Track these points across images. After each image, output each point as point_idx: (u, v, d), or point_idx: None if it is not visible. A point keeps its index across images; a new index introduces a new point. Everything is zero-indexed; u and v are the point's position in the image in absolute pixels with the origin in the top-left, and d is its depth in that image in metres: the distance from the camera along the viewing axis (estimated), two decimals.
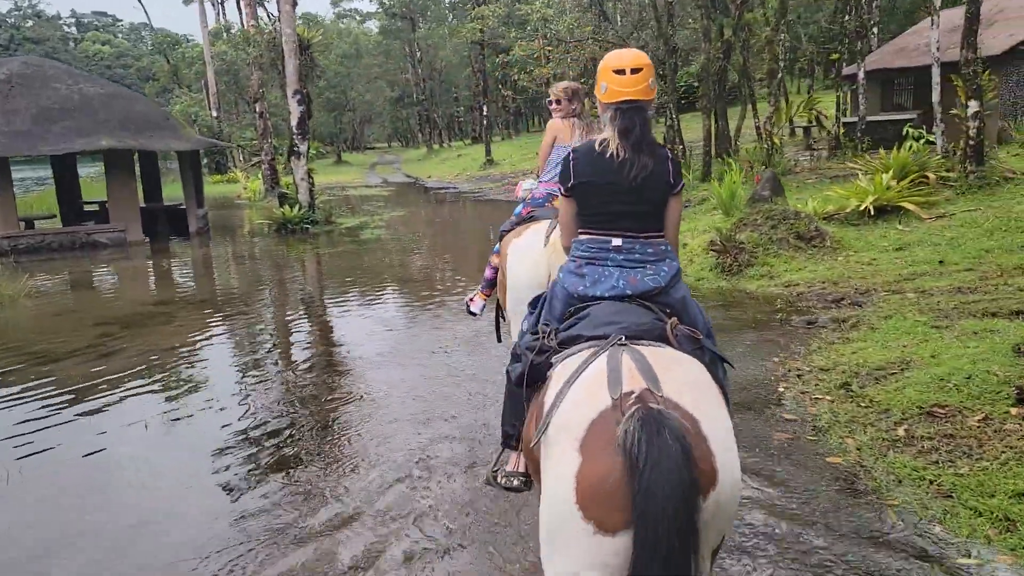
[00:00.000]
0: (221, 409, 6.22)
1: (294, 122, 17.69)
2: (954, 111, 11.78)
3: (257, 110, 26.14)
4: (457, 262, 13.33)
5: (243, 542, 4.04)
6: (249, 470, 4.97)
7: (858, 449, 4.54)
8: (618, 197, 2.80)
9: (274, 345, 8.50)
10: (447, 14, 58.50)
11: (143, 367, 7.42)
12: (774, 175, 12.21)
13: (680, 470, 1.90)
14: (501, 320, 5.43)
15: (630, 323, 2.54)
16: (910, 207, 10.80)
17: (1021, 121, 16.32)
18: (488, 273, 5.37)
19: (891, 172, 11.48)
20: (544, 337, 2.69)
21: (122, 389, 6.78)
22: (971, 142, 11.22)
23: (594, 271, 2.80)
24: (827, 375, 5.84)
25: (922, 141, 12.15)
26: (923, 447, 4.38)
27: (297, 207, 17.84)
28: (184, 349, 8.24)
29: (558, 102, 5.03)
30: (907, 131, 12.76)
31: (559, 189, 3.01)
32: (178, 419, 6.06)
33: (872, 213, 10.85)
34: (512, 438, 2.95)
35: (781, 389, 5.72)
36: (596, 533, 2.00)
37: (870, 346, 6.24)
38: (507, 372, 2.89)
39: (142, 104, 18.46)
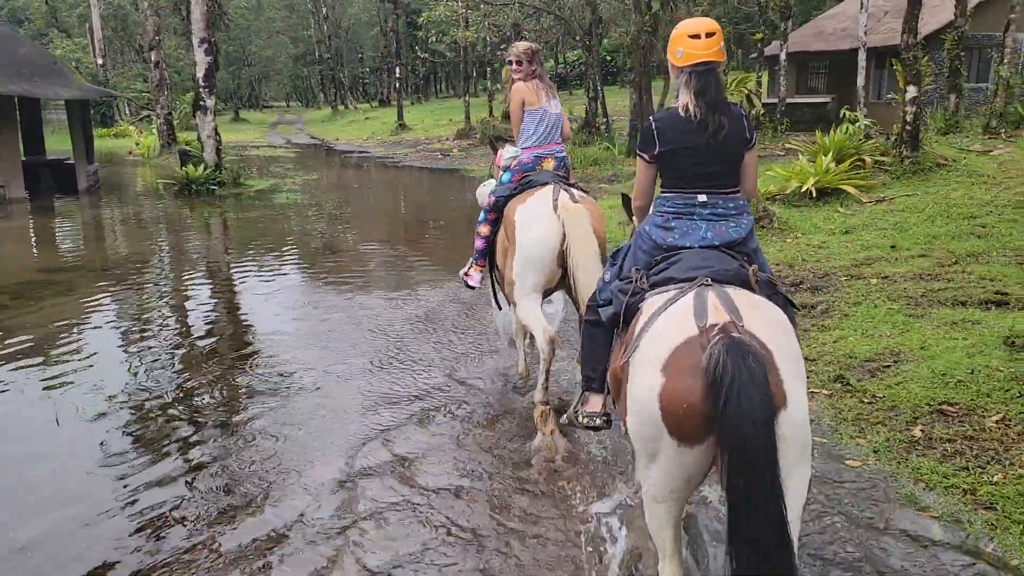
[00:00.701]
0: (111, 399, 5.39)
1: (200, 74, 16.27)
2: (891, 95, 11.84)
3: (152, 59, 24.17)
4: (393, 233, 12.56)
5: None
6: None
7: (875, 451, 4.24)
8: (701, 157, 3.01)
9: (187, 323, 7.60)
10: None
11: (29, 344, 6.45)
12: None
13: (762, 388, 2.17)
14: (497, 287, 5.52)
15: (718, 268, 2.78)
16: (851, 190, 10.80)
17: (938, 108, 16.77)
18: (479, 244, 5.35)
19: (830, 155, 11.47)
20: (636, 281, 2.95)
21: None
22: (908, 127, 11.31)
23: (682, 224, 3.03)
24: (815, 366, 5.55)
25: (858, 124, 12.16)
26: (946, 450, 4.12)
27: (202, 166, 16.49)
28: (75, 326, 7.26)
29: (519, 63, 5.00)
30: (844, 113, 12.76)
31: (641, 155, 3.17)
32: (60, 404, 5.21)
33: (814, 195, 10.80)
34: (593, 381, 3.35)
35: None
36: (681, 446, 2.33)
37: (850, 335, 6.01)
38: (587, 321, 3.37)
39: (27, 47, 16.58)
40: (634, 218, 3.68)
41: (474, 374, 5.92)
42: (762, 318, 2.46)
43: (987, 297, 6.46)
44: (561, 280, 4.74)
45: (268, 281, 9.16)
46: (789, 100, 21.41)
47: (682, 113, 2.98)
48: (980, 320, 5.89)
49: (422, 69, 56.39)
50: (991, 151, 13.05)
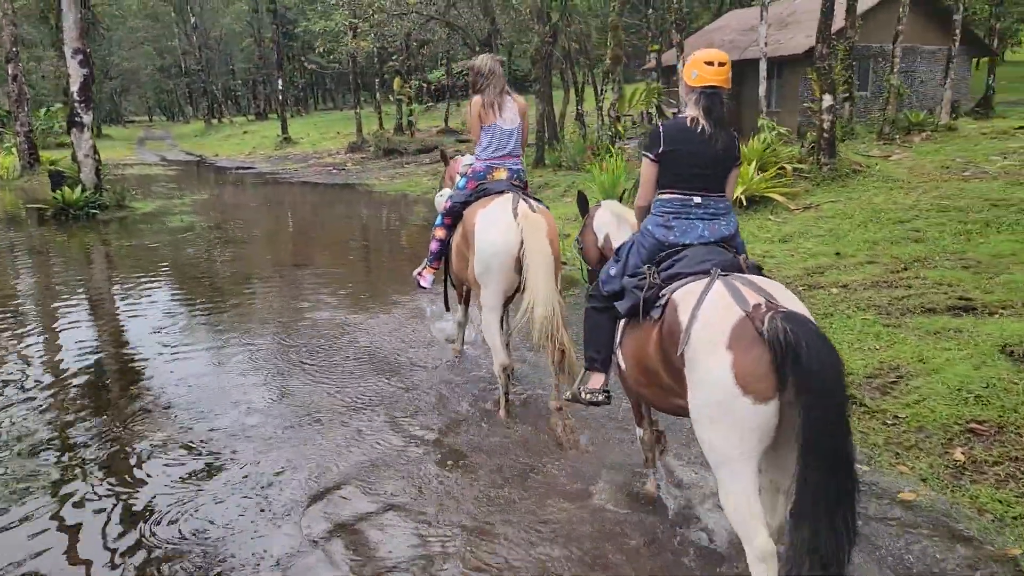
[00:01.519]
0: None
1: (75, 87, 14.75)
2: (807, 104, 12.09)
3: (10, 72, 21.92)
4: (312, 255, 11.69)
5: None
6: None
7: (923, 480, 4.00)
8: (699, 162, 3.42)
9: (64, 369, 6.63)
10: None
11: None
12: None
13: (828, 343, 2.61)
14: (450, 288, 5.97)
15: (721, 261, 3.23)
16: (779, 198, 10.90)
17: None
18: (434, 246, 5.59)
19: (754, 163, 11.57)
20: (649, 276, 3.32)
21: None
22: (825, 135, 11.56)
23: (681, 223, 3.45)
24: None
25: (774, 133, 12.36)
26: (997, 475, 3.94)
27: (80, 188, 14.96)
28: None
29: (480, 76, 5.16)
30: (761, 123, 12.96)
31: (647, 155, 3.54)
32: None
33: (744, 204, 10.83)
34: (596, 362, 3.71)
35: None
36: (755, 403, 2.67)
37: (838, 349, 5.84)
38: (590, 308, 3.73)
39: None
40: (633, 216, 4.04)
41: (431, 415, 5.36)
42: (785, 295, 2.91)
43: (952, 303, 6.48)
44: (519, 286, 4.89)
45: (171, 315, 8.21)
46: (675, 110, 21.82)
47: (689, 124, 3.45)
48: (960, 328, 5.85)
49: (301, 80, 54.58)
50: (890, 156, 13.61)
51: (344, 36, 24.26)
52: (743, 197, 10.89)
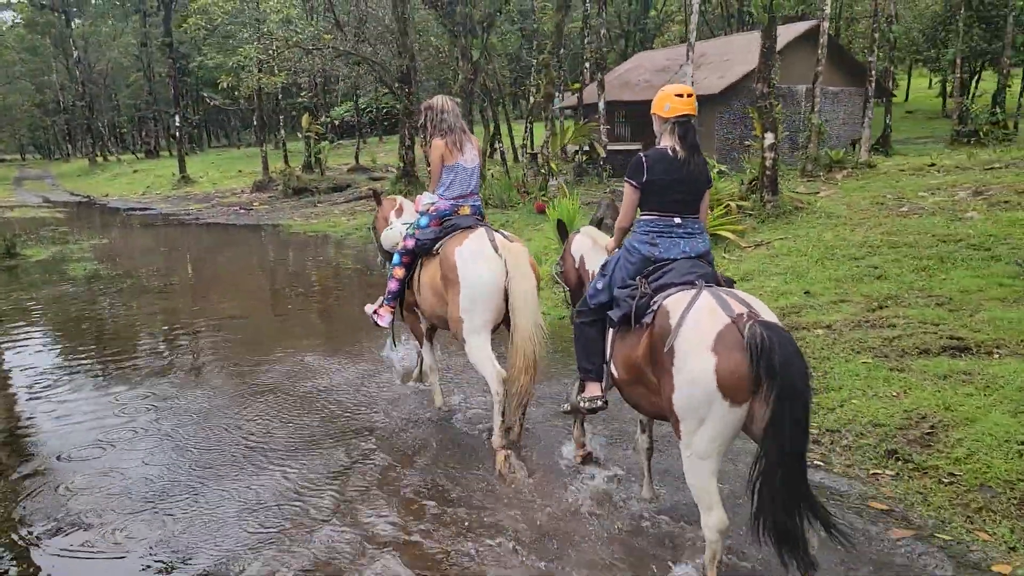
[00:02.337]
0: None
1: None
2: (748, 142, 12.15)
3: None
4: (245, 304, 10.72)
5: None
6: None
7: (1011, 548, 3.69)
8: (679, 187, 3.81)
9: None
10: (113, 7, 51.13)
11: None
12: (612, 202, 11.60)
13: (799, 352, 3.05)
14: (400, 323, 6.12)
15: (704, 274, 3.66)
16: (730, 236, 10.81)
17: (738, 156, 17.79)
18: (393, 286, 5.69)
19: None
20: (640, 287, 3.69)
21: None
22: (768, 172, 11.61)
23: (664, 241, 3.82)
24: (841, 437, 5.04)
25: (715, 171, 12.35)
26: None
27: None
28: None
29: (439, 115, 5.32)
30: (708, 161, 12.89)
31: (631, 182, 3.89)
32: None
33: None
34: (591, 372, 4.05)
35: (809, 457, 4.78)
36: (732, 406, 3.11)
37: (851, 397, 5.59)
38: (582, 324, 4.09)
39: None
40: (613, 236, 4.35)
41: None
42: (761, 307, 3.29)
43: (945, 343, 6.36)
44: (505, 315, 5.00)
45: (98, 378, 7.22)
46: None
47: (669, 152, 3.83)
48: (968, 371, 5.70)
49: (195, 117, 52.42)
50: (818, 193, 13.89)
51: (251, 71, 23.19)
52: None
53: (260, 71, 23.18)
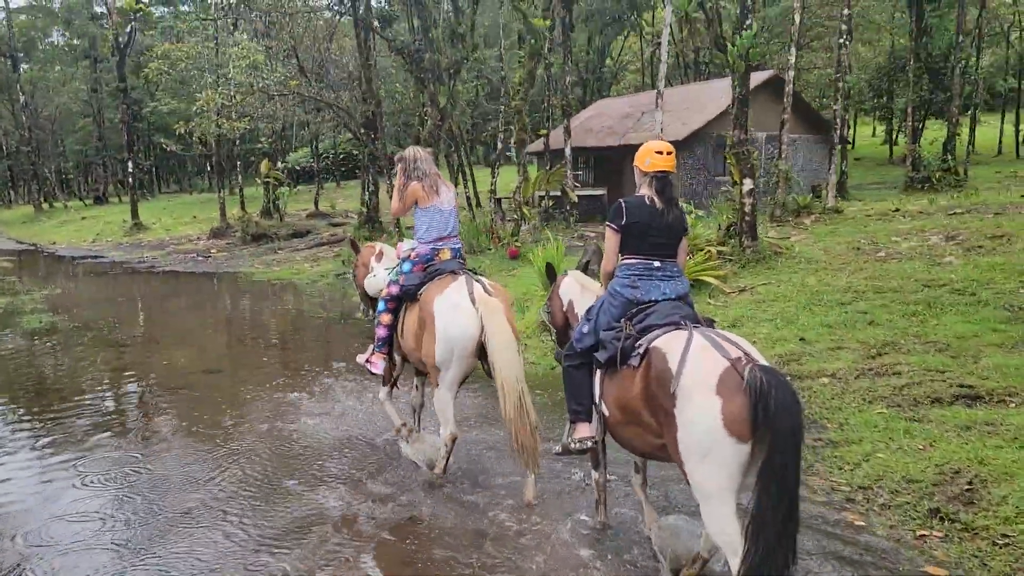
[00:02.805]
0: None
1: None
2: (724, 188, 12.17)
3: None
4: (219, 358, 10.19)
5: None
6: None
7: None
8: (657, 233, 4.04)
9: None
10: (62, 52, 50.12)
11: None
12: (597, 247, 11.43)
13: (795, 394, 3.19)
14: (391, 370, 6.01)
15: (686, 314, 3.87)
16: (713, 281, 10.73)
17: (705, 201, 17.94)
18: (382, 332, 5.70)
19: None
20: (625, 329, 3.87)
21: None
22: (747, 218, 11.61)
23: (645, 284, 4.04)
24: (876, 495, 4.84)
25: (692, 216, 12.33)
26: None
27: None
28: None
29: (411, 164, 5.46)
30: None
31: (610, 226, 4.14)
32: None
33: None
34: (581, 413, 4.18)
35: (848, 519, 4.57)
36: (737, 443, 3.21)
37: (875, 450, 5.41)
38: (570, 368, 4.21)
39: None
40: (601, 279, 4.47)
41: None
42: (752, 349, 3.42)
43: (956, 392, 6.26)
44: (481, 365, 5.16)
45: (62, 442, 6.68)
46: (554, 193, 21.91)
47: (647, 201, 4.07)
48: (989, 421, 5.59)
49: (146, 163, 51.37)
50: (789, 238, 13.98)
51: (210, 117, 22.74)
52: None
53: (220, 116, 22.72)
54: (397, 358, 5.93)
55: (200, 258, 23.03)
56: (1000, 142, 35.38)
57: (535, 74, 15.28)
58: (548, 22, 14.36)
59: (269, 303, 15.09)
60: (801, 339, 8.34)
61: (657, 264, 4.05)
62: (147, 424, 7.21)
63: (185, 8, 41.17)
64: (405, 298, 5.51)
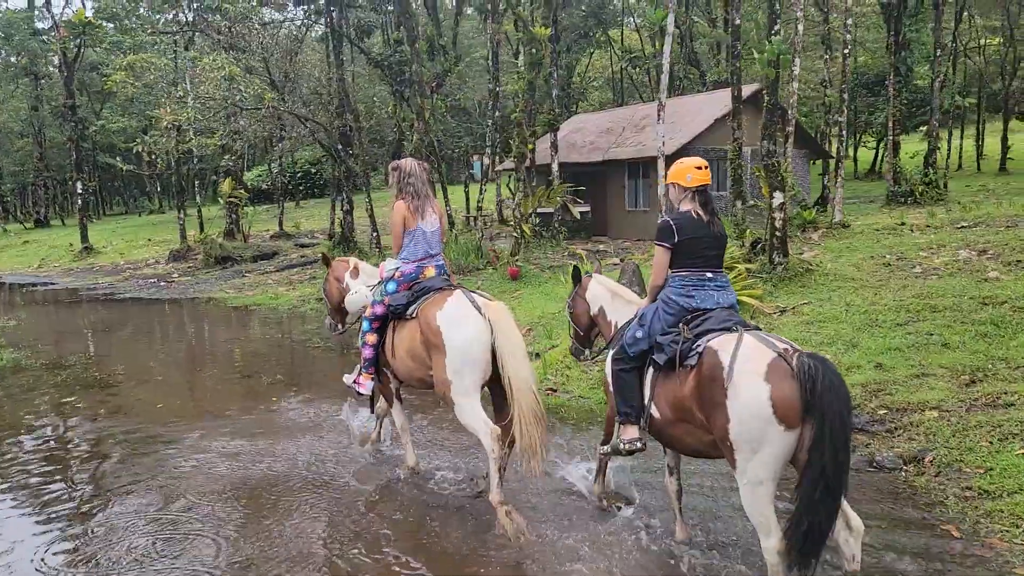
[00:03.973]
0: None
1: None
2: (752, 202, 11.57)
3: None
4: (222, 396, 9.07)
5: None
6: None
7: None
8: (707, 245, 4.30)
9: None
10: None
11: None
12: (636, 267, 10.65)
13: (842, 378, 3.46)
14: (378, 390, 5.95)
15: (738, 321, 4.10)
16: (753, 302, 10.04)
17: None
18: (368, 353, 5.66)
19: None
20: (683, 333, 4.05)
21: None
22: (777, 233, 11.01)
23: (700, 293, 4.27)
24: None
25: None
26: None
27: None
28: None
29: (406, 177, 5.45)
30: None
31: (663, 244, 4.32)
32: None
33: None
34: (631, 415, 4.33)
35: None
36: (787, 430, 3.44)
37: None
38: (621, 371, 4.39)
39: None
40: (648, 292, 4.61)
41: None
42: (798, 345, 3.75)
43: None
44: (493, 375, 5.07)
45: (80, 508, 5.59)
46: (541, 210, 21.26)
47: (694, 216, 4.28)
48: None
49: (91, 184, 49.04)
50: (802, 254, 13.45)
51: (172, 133, 21.42)
52: None
53: (189, 132, 21.31)
54: (388, 375, 5.82)
55: (163, 283, 21.62)
56: (960, 157, 35.99)
57: (536, 84, 14.53)
58: (548, 31, 13.64)
59: (255, 332, 13.95)
60: (877, 365, 7.68)
61: (710, 275, 4.28)
62: (174, 488, 6.13)
63: (129, 23, 39.41)
64: (392, 317, 5.52)
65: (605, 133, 23.91)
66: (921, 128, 31.34)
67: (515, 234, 14.39)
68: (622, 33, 36.81)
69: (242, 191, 26.60)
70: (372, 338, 5.62)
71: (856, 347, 8.35)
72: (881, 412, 6.61)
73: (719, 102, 22.46)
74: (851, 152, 36.90)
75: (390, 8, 23.52)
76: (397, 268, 5.50)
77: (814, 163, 27.00)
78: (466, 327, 4.95)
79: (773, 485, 3.54)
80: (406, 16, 15.17)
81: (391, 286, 5.49)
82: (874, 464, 5.64)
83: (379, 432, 6.66)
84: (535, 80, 14.48)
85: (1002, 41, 33.50)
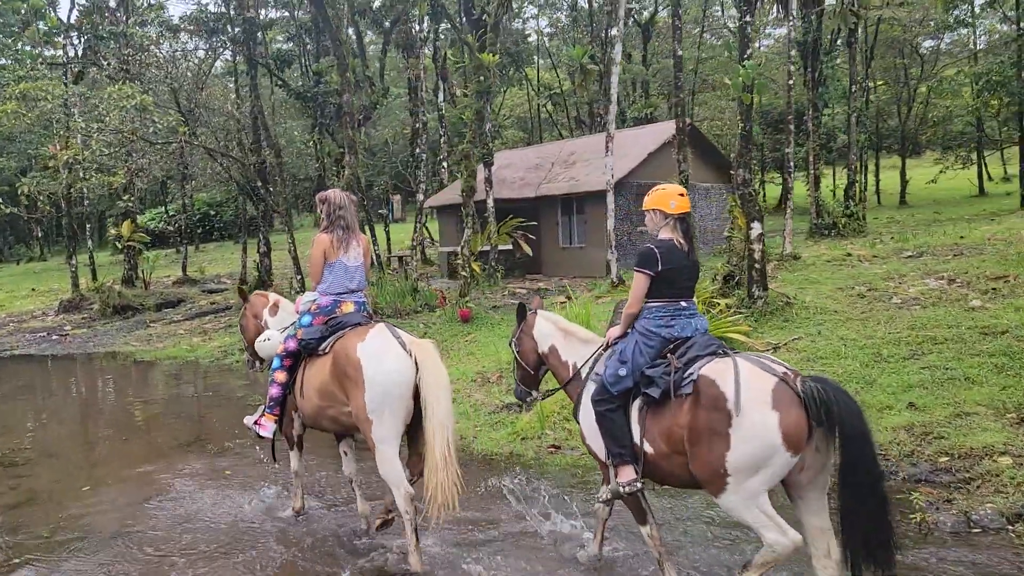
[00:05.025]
0: None
1: None
2: (726, 234, 11.05)
3: None
4: (167, 471, 7.59)
5: None
6: None
7: None
8: (684, 274, 4.29)
9: None
10: None
11: None
12: (618, 305, 9.79)
13: (851, 397, 3.58)
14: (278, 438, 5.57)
15: (719, 344, 4.13)
16: (740, 338, 9.41)
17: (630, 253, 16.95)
18: (275, 392, 5.33)
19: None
20: (672, 364, 4.01)
21: None
22: (756, 265, 10.48)
23: (679, 322, 4.23)
24: None
25: None
26: None
27: None
28: None
29: (334, 209, 5.19)
30: None
31: (646, 272, 4.22)
32: None
33: None
34: (624, 456, 4.15)
35: None
36: (792, 456, 3.51)
37: None
38: (607, 412, 4.19)
39: None
40: (621, 321, 4.49)
41: None
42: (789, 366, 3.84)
43: None
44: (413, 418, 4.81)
45: None
46: (486, 248, 20.42)
47: (676, 245, 4.26)
48: None
49: None
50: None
51: (59, 172, 19.39)
52: None
53: (97, 171, 19.22)
54: (296, 418, 5.50)
55: (55, 336, 19.37)
56: (863, 191, 37.44)
57: (484, 114, 13.72)
58: (496, 58, 12.90)
59: (184, 390, 12.33)
60: (910, 405, 7.11)
61: (684, 304, 4.27)
62: None
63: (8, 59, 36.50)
64: (304, 353, 5.20)
65: (534, 169, 23.35)
66: (829, 164, 32.33)
67: (463, 273, 13.39)
68: (538, 71, 36.73)
69: (143, 234, 24.49)
70: (282, 376, 5.30)
71: (873, 384, 7.80)
72: (942, 460, 5.98)
73: (650, 136, 22.35)
74: (758, 187, 37.83)
75: (306, 41, 22.40)
76: (314, 300, 5.21)
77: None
78: (388, 362, 4.68)
79: (765, 496, 3.64)
80: (336, 43, 14.11)
81: (306, 319, 5.20)
82: (972, 523, 4.94)
83: (356, 489, 5.76)
84: (483, 109, 13.67)
85: (893, 82, 35.29)
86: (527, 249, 14.93)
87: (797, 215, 28.26)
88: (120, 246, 24.15)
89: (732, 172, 10.71)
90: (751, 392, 3.54)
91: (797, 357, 8.91)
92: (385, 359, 4.68)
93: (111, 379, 13.93)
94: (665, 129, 22.19)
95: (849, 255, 15.61)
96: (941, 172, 34.16)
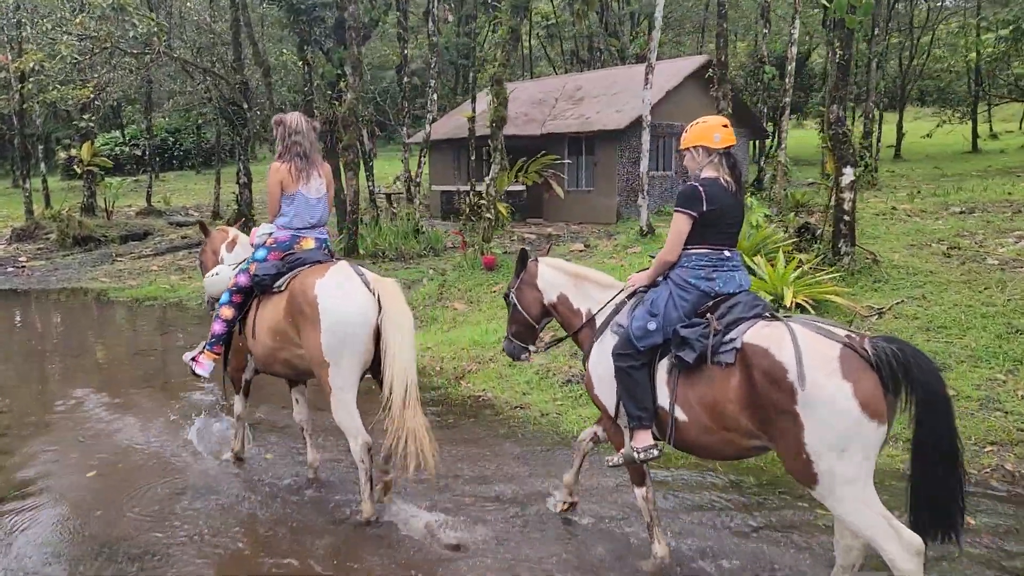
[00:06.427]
0: None
1: None
2: (813, 180, 9.74)
3: None
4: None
5: None
6: None
7: None
8: (732, 218, 3.79)
9: None
10: None
11: None
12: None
13: (927, 356, 3.14)
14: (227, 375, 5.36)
15: (765, 305, 3.64)
16: (841, 301, 8.23)
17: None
18: (219, 328, 4.96)
19: (760, 257, 8.83)
20: (712, 325, 3.50)
21: None
22: (845, 217, 9.24)
23: (721, 275, 3.73)
24: None
25: (763, 216, 9.80)
26: None
27: None
28: None
29: (290, 134, 4.80)
30: (751, 203, 10.12)
31: (689, 212, 3.71)
32: None
33: (790, 310, 7.95)
34: (644, 419, 3.72)
35: None
36: (879, 426, 3.05)
37: None
38: (630, 369, 3.70)
39: None
40: (651, 268, 3.97)
41: None
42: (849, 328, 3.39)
43: None
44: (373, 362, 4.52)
45: None
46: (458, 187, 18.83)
47: (723, 182, 3.77)
48: None
49: None
50: None
51: (14, 85, 17.11)
52: (796, 302, 8.04)
53: (62, 83, 16.84)
54: (249, 360, 5.18)
55: (11, 269, 17.41)
56: (873, 142, 36.57)
57: (519, 32, 12.09)
58: None
59: (174, 337, 10.75)
60: None
61: (727, 253, 3.79)
62: None
63: None
64: (256, 290, 4.83)
65: (538, 104, 21.72)
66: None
67: (488, 215, 11.90)
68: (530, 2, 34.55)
69: (105, 159, 22.29)
70: (228, 312, 4.91)
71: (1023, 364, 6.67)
72: None
73: (666, 73, 20.81)
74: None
75: None
76: (270, 234, 4.86)
77: (754, 144, 26.14)
78: (349, 300, 4.36)
79: (869, 484, 3.11)
80: None
81: (260, 253, 4.83)
82: None
83: (308, 438, 5.41)
84: (518, 27, 12.02)
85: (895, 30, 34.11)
86: (559, 191, 13.44)
87: (805, 165, 27.27)
88: (80, 171, 21.92)
89: (823, 108, 9.37)
90: (817, 363, 3.09)
91: (911, 326, 7.75)
92: (346, 297, 4.37)
93: (85, 318, 12.24)
94: (684, 66, 20.68)
95: (895, 209, 14.54)
96: (938, 126, 33.48)
